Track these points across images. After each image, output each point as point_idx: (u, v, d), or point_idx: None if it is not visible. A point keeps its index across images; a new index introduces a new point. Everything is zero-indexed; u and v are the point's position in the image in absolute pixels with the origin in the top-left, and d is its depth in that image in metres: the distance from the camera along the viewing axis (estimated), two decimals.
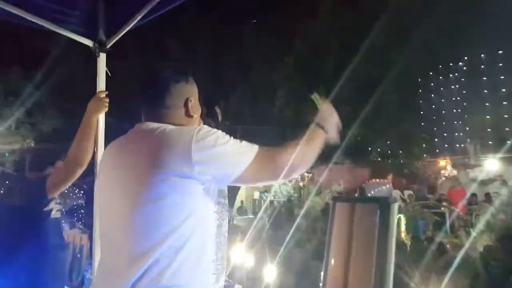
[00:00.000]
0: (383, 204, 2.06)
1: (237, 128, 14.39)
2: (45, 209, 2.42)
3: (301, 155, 1.48)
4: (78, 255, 6.28)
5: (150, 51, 16.35)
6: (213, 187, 1.44)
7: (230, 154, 1.39)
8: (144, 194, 1.35)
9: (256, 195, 16.64)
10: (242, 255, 5.53)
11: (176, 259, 1.32)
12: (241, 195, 16.62)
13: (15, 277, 2.36)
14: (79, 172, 2.30)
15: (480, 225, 8.02)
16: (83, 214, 9.03)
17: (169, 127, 1.44)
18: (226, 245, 1.50)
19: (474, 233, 7.77)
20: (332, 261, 2.18)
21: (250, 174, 1.41)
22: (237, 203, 15.69)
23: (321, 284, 2.18)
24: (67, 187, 2.44)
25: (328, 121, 1.63)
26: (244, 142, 1.43)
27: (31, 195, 2.43)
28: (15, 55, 15.06)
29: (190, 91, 1.58)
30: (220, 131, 1.42)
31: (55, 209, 2.49)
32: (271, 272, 4.78)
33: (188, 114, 1.54)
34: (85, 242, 6.31)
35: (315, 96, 1.67)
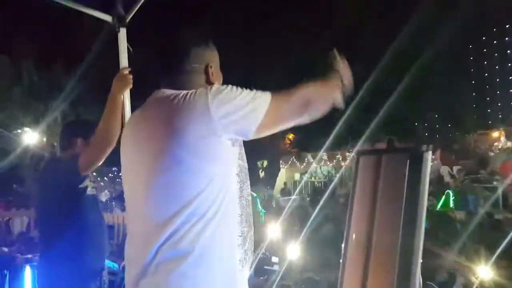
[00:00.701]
0: (414, 153, 1.78)
1: None
2: (80, 186, 2.48)
3: (316, 92, 1.49)
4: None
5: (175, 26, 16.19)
6: (234, 149, 1.42)
7: (247, 104, 1.36)
8: (164, 161, 1.34)
9: (297, 176, 16.58)
10: (280, 231, 5.63)
11: (198, 224, 1.31)
12: (282, 178, 16.64)
13: (56, 255, 2.44)
14: (109, 150, 2.33)
15: None
16: None
17: (184, 92, 1.39)
18: (250, 208, 1.49)
19: None
20: (355, 224, 1.94)
21: (270, 118, 1.39)
22: (280, 185, 15.69)
23: (343, 248, 1.96)
24: (100, 164, 2.47)
25: (346, 74, 1.60)
26: (256, 90, 1.41)
27: (64, 175, 2.49)
28: (54, 50, 15.61)
29: (211, 57, 1.53)
30: (231, 85, 1.39)
31: (90, 186, 2.54)
32: (301, 246, 4.83)
33: (209, 81, 1.50)
34: None
35: (334, 53, 1.63)
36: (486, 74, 12.75)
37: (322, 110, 1.51)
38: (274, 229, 5.42)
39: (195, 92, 1.38)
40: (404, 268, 1.64)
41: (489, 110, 12.93)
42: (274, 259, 4.90)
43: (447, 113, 13.64)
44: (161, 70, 1.52)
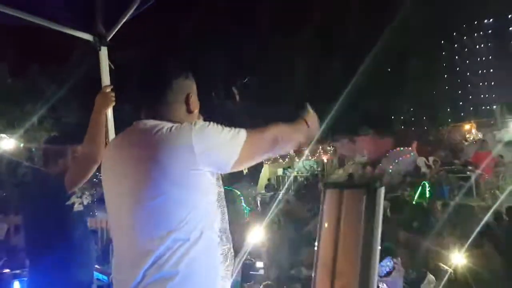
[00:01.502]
0: (370, 189, 2.06)
1: (254, 109, 14.25)
2: (67, 203, 2.48)
3: (285, 133, 1.63)
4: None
5: (160, 36, 16.07)
6: (214, 178, 1.49)
7: (227, 141, 1.45)
8: (149, 191, 1.40)
9: (280, 171, 16.71)
10: (264, 235, 5.66)
11: (182, 248, 1.38)
12: (265, 174, 16.72)
13: (45, 271, 2.46)
14: (94, 167, 2.33)
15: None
16: None
17: (168, 124, 1.45)
18: (228, 230, 1.56)
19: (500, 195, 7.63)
20: (323, 247, 2.23)
21: (246, 154, 1.49)
22: (264, 181, 15.81)
23: (313, 270, 2.24)
24: (87, 180, 2.47)
25: (313, 122, 1.77)
26: (233, 128, 1.50)
27: (52, 191, 2.49)
28: (32, 51, 15.18)
29: (191, 86, 1.59)
30: (212, 123, 1.47)
31: (77, 202, 2.54)
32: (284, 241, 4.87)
33: (189, 110, 1.56)
34: None
35: (307, 107, 1.82)
36: (458, 69, 13.25)
37: (288, 149, 1.66)
38: (258, 233, 5.47)
39: (180, 126, 1.43)
40: (364, 280, 1.92)
41: (461, 103, 13.44)
42: (259, 264, 4.94)
43: (422, 107, 14.13)
44: (143, 101, 1.55)
